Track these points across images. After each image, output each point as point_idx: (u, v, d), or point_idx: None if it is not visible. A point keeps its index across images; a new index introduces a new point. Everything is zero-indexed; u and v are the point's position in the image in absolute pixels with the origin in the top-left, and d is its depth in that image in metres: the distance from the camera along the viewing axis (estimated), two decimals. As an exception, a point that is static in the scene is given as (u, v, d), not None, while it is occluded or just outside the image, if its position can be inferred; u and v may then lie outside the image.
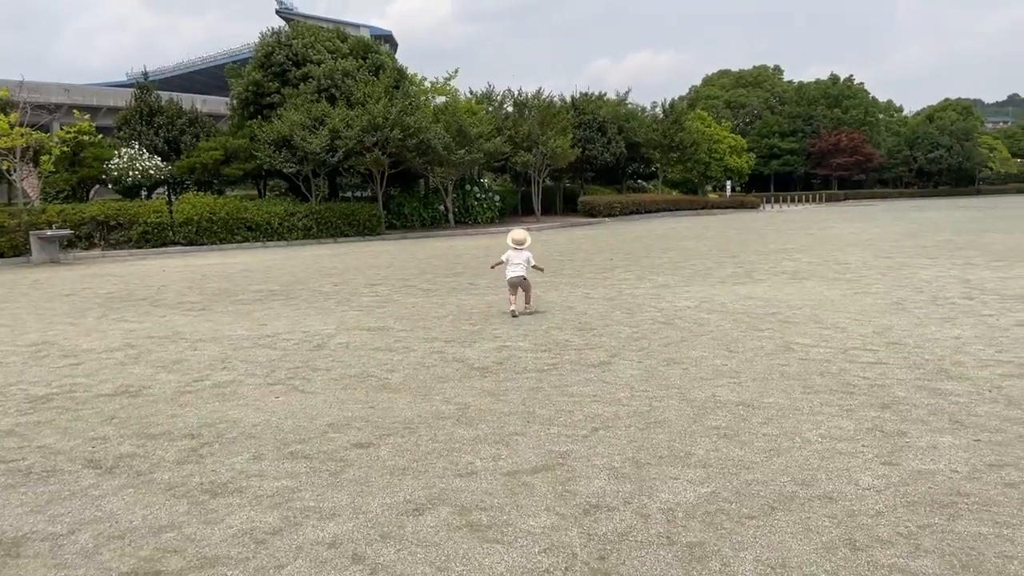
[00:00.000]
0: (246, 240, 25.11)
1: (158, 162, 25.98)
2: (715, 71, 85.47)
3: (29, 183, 28.96)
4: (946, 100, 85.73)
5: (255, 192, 32.72)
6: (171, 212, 24.21)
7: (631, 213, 38.62)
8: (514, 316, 9.71)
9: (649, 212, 40.21)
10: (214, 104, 50.40)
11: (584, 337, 8.40)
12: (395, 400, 6.09)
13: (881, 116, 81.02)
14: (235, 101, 29.65)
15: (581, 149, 37.11)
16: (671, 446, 4.86)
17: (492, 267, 11.04)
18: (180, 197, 26.03)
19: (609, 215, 37.23)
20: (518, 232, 10.26)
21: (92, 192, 31.28)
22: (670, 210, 42.13)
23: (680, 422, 5.34)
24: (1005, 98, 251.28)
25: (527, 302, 10.12)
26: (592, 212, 37.09)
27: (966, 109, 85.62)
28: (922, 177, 77.01)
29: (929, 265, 14.12)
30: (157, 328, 9.68)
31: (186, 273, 16.69)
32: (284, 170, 26.59)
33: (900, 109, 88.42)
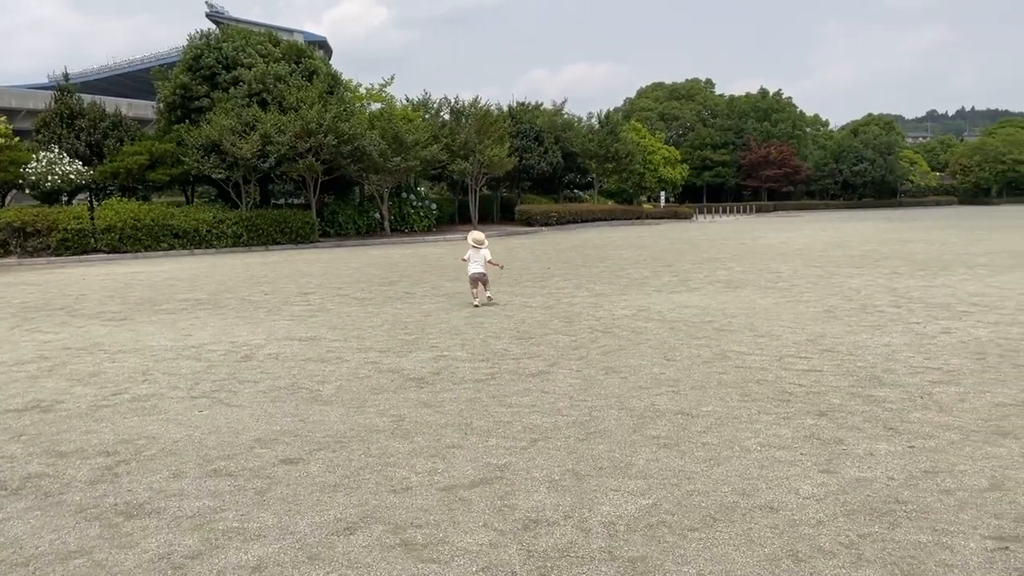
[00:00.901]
0: (172, 248, 24.28)
1: (79, 166, 24.94)
2: (649, 83, 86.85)
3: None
4: (869, 115, 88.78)
5: (183, 199, 31.76)
6: (93, 218, 23.25)
7: (568, 222, 38.82)
8: (476, 307, 11.10)
9: (585, 221, 40.48)
10: (141, 108, 48.81)
11: (523, 346, 8.28)
12: (326, 413, 5.86)
13: (808, 130, 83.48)
14: (162, 105, 28.71)
15: (518, 158, 37.15)
16: (611, 457, 4.77)
17: (464, 260, 12.02)
18: (103, 203, 25.05)
19: (546, 224, 37.33)
20: (477, 233, 11.87)
21: (9, 197, 29.88)
22: (606, 220, 42.51)
23: (620, 432, 5.25)
24: (924, 114, 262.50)
25: (487, 293, 11.52)
26: (529, 221, 37.14)
27: (888, 124, 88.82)
28: (847, 189, 79.59)
29: (857, 274, 14.48)
30: (74, 339, 9.18)
31: (108, 282, 16.01)
32: (213, 176, 25.85)
33: (826, 123, 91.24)
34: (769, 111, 77.19)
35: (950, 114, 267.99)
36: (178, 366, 7.60)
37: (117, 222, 23.30)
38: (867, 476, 4.39)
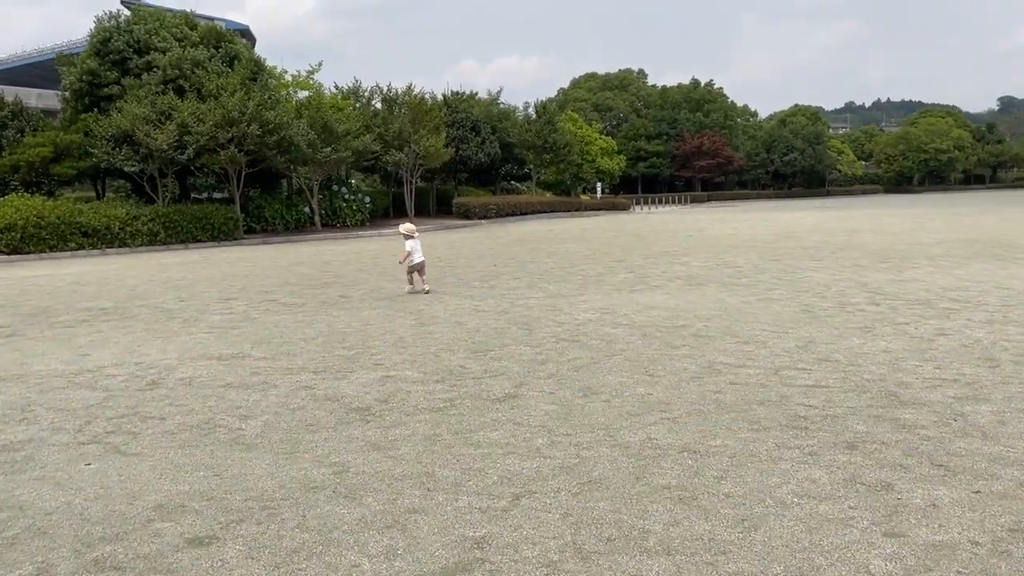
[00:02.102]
0: (82, 248, 22.31)
1: (-27, 159, 22.72)
2: (582, 74, 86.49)
3: None
4: (796, 106, 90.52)
5: (94, 194, 29.54)
6: (-10, 216, 21.14)
7: (507, 215, 37.81)
8: (420, 293, 11.65)
9: (524, 214, 39.53)
10: (50, 99, 45.56)
11: (481, 361, 7.21)
12: (250, 462, 4.69)
13: (739, 120, 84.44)
14: (67, 92, 26.47)
15: (455, 149, 35.94)
16: (618, 520, 3.75)
17: (401, 262, 12.14)
18: (2, 199, 22.89)
19: (484, 217, 36.24)
20: (409, 224, 12.33)
21: None
22: (545, 212, 41.65)
23: (620, 480, 4.25)
24: (842, 105, 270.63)
25: (424, 281, 11.89)
26: (467, 214, 35.99)
27: (814, 115, 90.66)
28: (777, 179, 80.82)
29: (819, 267, 13.85)
30: (-57, 363, 7.71)
31: (1, 288, 14.26)
32: (125, 169, 23.87)
33: (755, 114, 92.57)
34: (701, 102, 77.74)
35: (867, 105, 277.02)
36: (68, 398, 6.27)
37: (18, 220, 21.23)
38: (944, 540, 3.48)
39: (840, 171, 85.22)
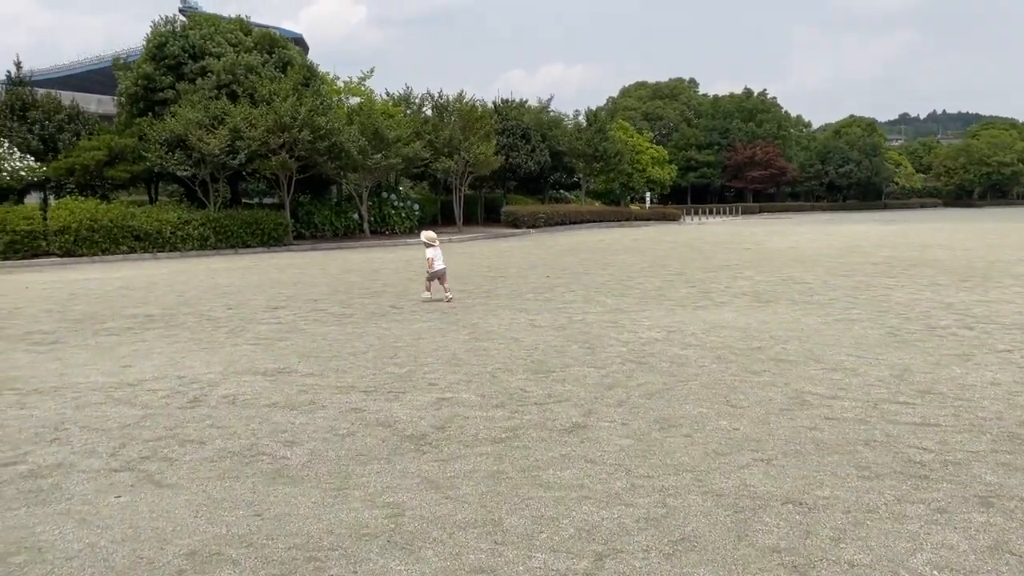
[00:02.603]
0: (133, 251, 22.34)
1: (31, 162, 22.94)
2: (632, 83, 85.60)
3: None
4: (851, 117, 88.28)
5: (147, 198, 29.77)
6: (45, 218, 21.28)
7: (555, 224, 37.24)
8: (446, 300, 11.52)
9: (574, 223, 38.92)
10: (110, 105, 46.28)
11: (543, 384, 6.65)
12: (295, 499, 4.20)
13: (792, 131, 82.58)
14: (123, 97, 26.67)
15: (504, 157, 35.49)
16: (724, 593, 3.15)
17: (429, 272, 11.86)
18: (57, 202, 23.07)
19: (533, 226, 35.70)
20: (430, 232, 12.12)
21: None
22: (594, 221, 41.00)
23: (717, 538, 3.64)
24: (896, 117, 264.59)
25: (447, 290, 11.75)
26: (516, 223, 35.49)
27: (870, 126, 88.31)
28: (832, 191, 78.79)
29: (895, 285, 13.00)
30: (-18, 372, 7.41)
31: (52, 291, 14.15)
32: (178, 173, 23.90)
33: (809, 124, 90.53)
34: (754, 111, 76.23)
35: (922, 117, 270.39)
36: (104, 415, 5.88)
37: (72, 223, 21.33)
38: None
39: (897, 184, 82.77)
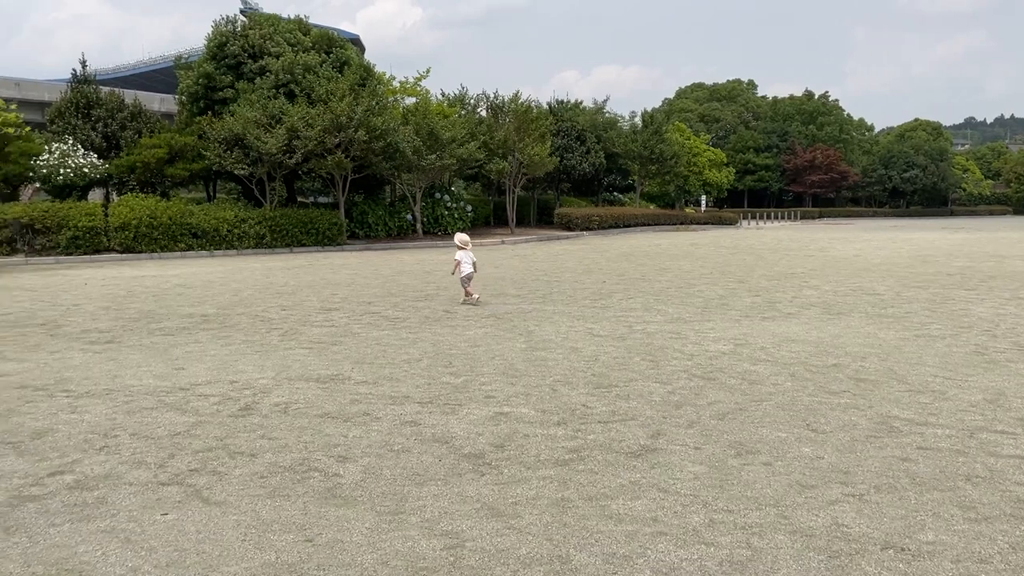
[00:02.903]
0: (191, 248, 22.60)
1: (94, 159, 23.37)
2: (689, 84, 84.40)
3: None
4: (916, 120, 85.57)
5: (205, 195, 30.18)
6: (106, 215, 21.64)
7: (609, 227, 36.73)
8: (470, 303, 11.63)
9: (628, 226, 38.36)
10: (172, 104, 47.38)
11: (606, 400, 6.30)
12: (348, 523, 3.93)
13: (854, 134, 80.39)
14: (183, 96, 27.07)
15: (559, 158, 35.13)
16: (827, 658, 2.77)
17: (453, 273, 12.21)
18: (118, 199, 23.47)
19: (587, 228, 35.27)
20: (463, 235, 12.22)
21: (29, 192, 28.47)
22: (648, 224, 40.37)
23: (813, 589, 3.26)
24: (962, 120, 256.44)
25: (471, 291, 11.84)
26: (569, 225, 35.11)
27: (935, 130, 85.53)
28: (895, 196, 76.50)
29: (975, 299, 12.29)
30: (38, 372, 7.36)
31: (110, 288, 14.28)
32: (236, 172, 24.12)
33: (871, 127, 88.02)
34: (815, 114, 74.45)
35: (988, 121, 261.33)
36: (155, 422, 5.72)
37: (132, 220, 21.65)
38: None
39: (964, 190, 79.92)
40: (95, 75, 27.61)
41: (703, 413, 5.92)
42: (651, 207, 47.92)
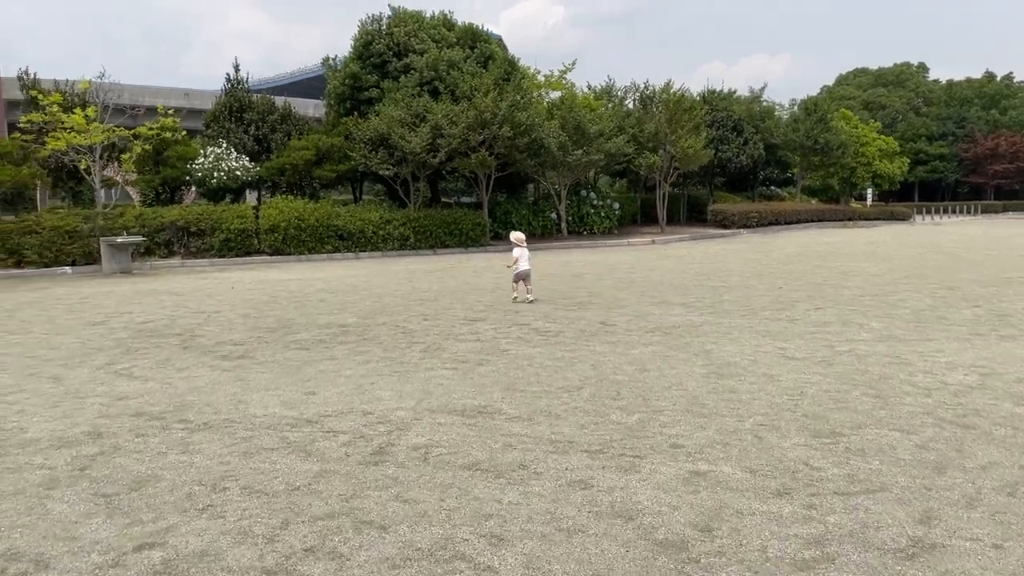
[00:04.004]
0: (337, 250, 22.42)
1: (246, 162, 23.69)
2: (851, 70, 78.62)
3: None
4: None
5: (352, 197, 30.30)
6: (257, 217, 21.79)
7: (767, 224, 34.14)
8: (528, 302, 11.76)
9: (789, 223, 35.57)
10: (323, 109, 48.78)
11: (833, 455, 4.78)
12: (507, 668, 2.70)
13: (1045, 118, 72.21)
14: (330, 97, 27.14)
15: (714, 150, 32.94)
16: None
17: (510, 267, 12.29)
18: (267, 201, 23.67)
19: (744, 226, 32.87)
20: (519, 233, 12.39)
21: (191, 195, 29.52)
22: (811, 221, 37.32)
23: None
24: None
25: (529, 291, 12.01)
26: (724, 222, 32.84)
27: None
28: (1095, 187, 68.05)
29: None
30: (159, 395, 6.64)
31: (254, 292, 13.92)
32: (381, 172, 23.79)
33: (1063, 110, 78.70)
34: (997, 97, 67.45)
35: None
36: (273, 469, 4.75)
37: (280, 222, 21.69)
38: None
39: None
40: (247, 77, 28.20)
41: (981, 484, 4.30)
42: (813, 201, 44.54)
